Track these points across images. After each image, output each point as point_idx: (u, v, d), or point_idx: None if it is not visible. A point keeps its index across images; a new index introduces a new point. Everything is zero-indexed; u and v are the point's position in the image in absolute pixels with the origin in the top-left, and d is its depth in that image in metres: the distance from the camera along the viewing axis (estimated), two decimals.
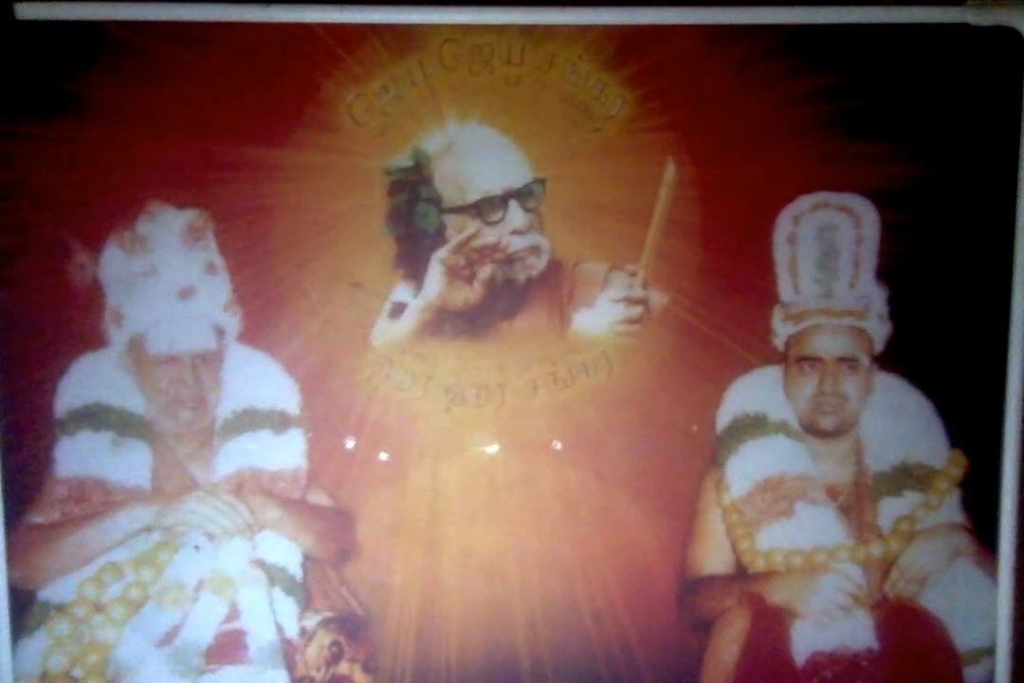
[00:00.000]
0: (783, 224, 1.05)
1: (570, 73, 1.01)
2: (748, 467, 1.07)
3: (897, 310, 1.06)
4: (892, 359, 1.06)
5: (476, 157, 1.03)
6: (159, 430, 1.04)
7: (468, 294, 1.05)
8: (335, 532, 1.06)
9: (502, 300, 1.05)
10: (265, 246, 1.03)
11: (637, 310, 1.06)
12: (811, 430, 1.08)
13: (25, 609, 1.02)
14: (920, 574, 1.07)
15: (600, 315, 1.06)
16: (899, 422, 1.07)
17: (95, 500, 1.02)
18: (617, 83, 1.01)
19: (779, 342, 1.07)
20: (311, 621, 1.05)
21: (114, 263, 1.01)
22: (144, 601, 1.02)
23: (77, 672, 1.02)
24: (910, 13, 1.01)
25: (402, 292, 1.04)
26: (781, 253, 1.05)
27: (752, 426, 1.07)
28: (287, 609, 1.04)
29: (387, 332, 1.04)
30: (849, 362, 1.06)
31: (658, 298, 1.05)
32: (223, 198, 1.01)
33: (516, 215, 1.03)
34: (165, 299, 1.02)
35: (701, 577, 1.08)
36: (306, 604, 1.05)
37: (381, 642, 1.07)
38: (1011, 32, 1.01)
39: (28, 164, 0.99)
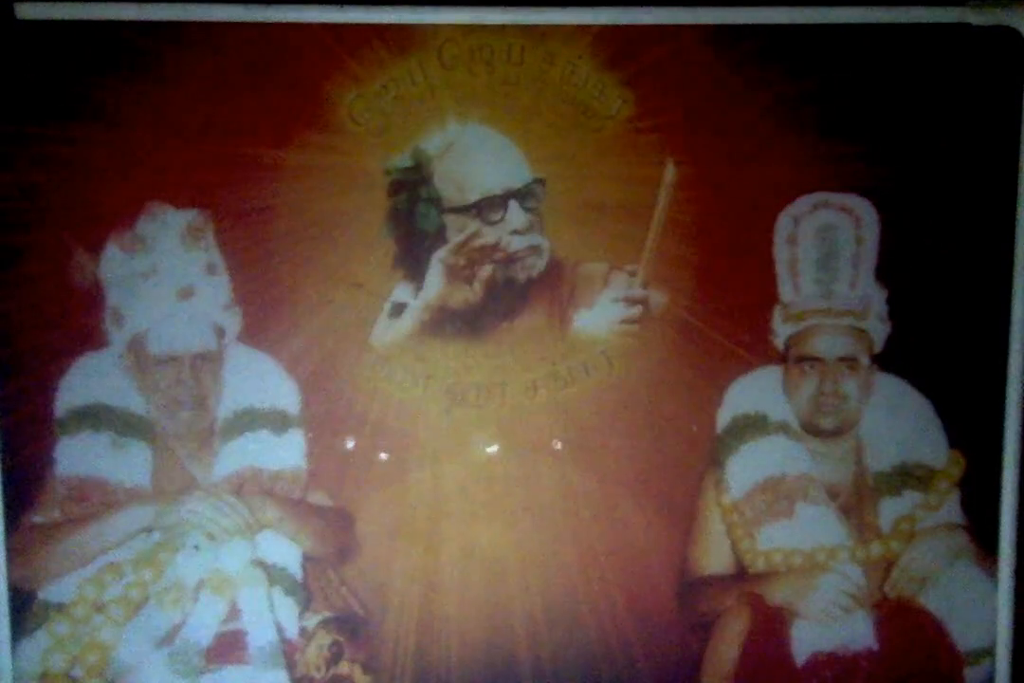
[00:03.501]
0: (783, 224, 1.05)
1: (570, 73, 1.01)
2: (748, 467, 1.07)
3: (897, 310, 1.06)
4: (892, 359, 1.06)
5: (476, 157, 1.03)
6: (159, 430, 1.04)
7: (468, 294, 1.05)
8: (335, 532, 1.06)
9: (502, 300, 1.05)
10: (265, 246, 1.03)
11: (637, 310, 1.06)
12: (811, 430, 1.08)
13: (25, 609, 1.02)
14: (920, 574, 1.07)
15: (600, 315, 1.06)
16: (899, 422, 1.07)
17: (95, 500, 1.02)
18: (617, 83, 1.01)
19: (779, 342, 1.07)
20: (311, 621, 1.05)
21: (114, 263, 1.01)
22: (144, 601, 1.02)
23: (77, 672, 1.02)
24: (910, 13, 1.01)
25: (402, 292, 1.04)
26: (781, 253, 1.05)
27: (752, 426, 1.07)
28: (287, 609, 1.04)
29: (387, 332, 1.04)
30: (849, 362, 1.06)
31: (658, 298, 1.05)
32: (223, 198, 1.01)
33: (516, 215, 1.03)
34: (165, 299, 1.02)
35: (701, 577, 1.08)
36: (306, 604, 1.05)
37: (381, 642, 1.07)
38: (1011, 32, 1.01)
39: (28, 164, 0.99)
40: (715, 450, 1.08)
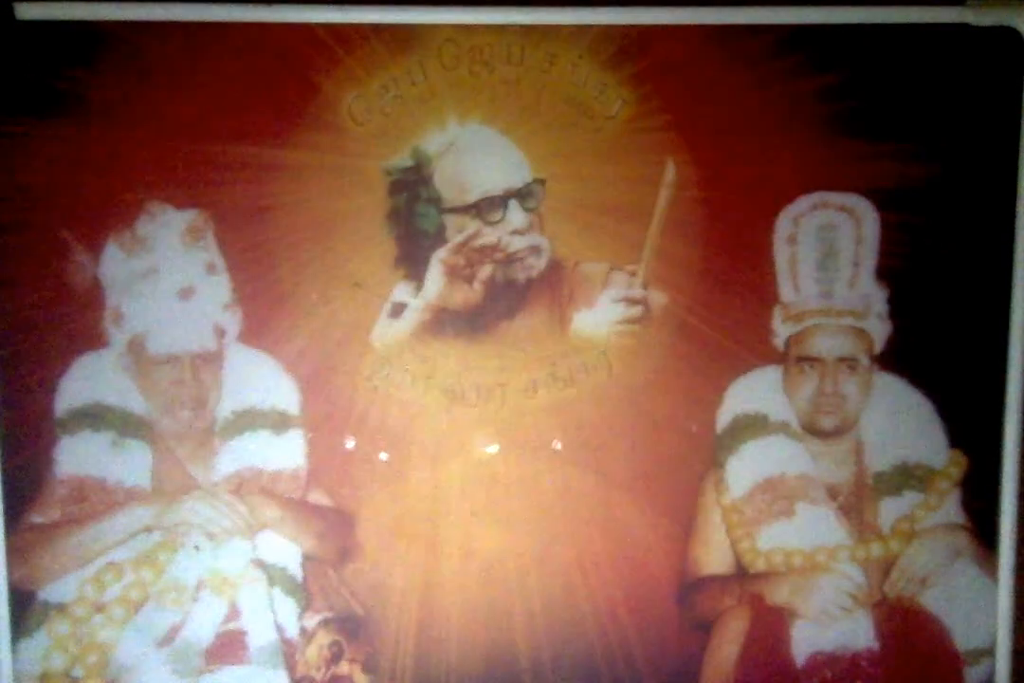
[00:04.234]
0: (783, 224, 1.05)
1: (570, 73, 1.01)
2: (748, 467, 1.07)
3: (897, 310, 1.06)
4: (892, 359, 1.06)
5: (476, 157, 1.03)
6: (159, 430, 1.04)
7: (468, 294, 1.05)
8: (335, 532, 1.06)
9: (502, 300, 1.05)
10: (265, 246, 1.03)
11: (637, 310, 1.06)
12: (811, 430, 1.08)
13: (25, 609, 1.02)
14: (920, 574, 1.07)
15: (600, 315, 1.06)
16: (899, 422, 1.07)
17: (95, 500, 1.02)
18: (617, 83, 1.01)
19: (779, 342, 1.07)
20: (311, 621, 1.05)
21: (114, 263, 1.01)
22: (144, 601, 1.02)
23: (77, 672, 1.02)
24: (910, 13, 1.01)
25: (402, 292, 1.04)
26: (781, 253, 1.05)
27: (752, 426, 1.07)
28: (287, 609, 1.04)
29: (387, 332, 1.04)
30: (849, 362, 1.06)
31: (658, 298, 1.05)
32: (223, 198, 1.01)
33: (516, 215, 1.03)
34: (165, 299, 1.02)
35: (701, 577, 1.08)
36: (306, 604, 1.05)
37: (381, 642, 1.07)
38: (1011, 32, 1.01)
39: (28, 164, 0.99)
40: (715, 450, 1.08)
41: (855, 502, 1.08)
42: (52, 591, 1.02)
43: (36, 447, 1.02)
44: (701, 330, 1.05)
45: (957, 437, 1.07)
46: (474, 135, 1.02)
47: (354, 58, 1.00)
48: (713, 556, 1.08)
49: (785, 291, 1.06)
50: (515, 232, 1.04)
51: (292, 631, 1.04)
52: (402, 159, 1.02)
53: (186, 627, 1.02)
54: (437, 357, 1.05)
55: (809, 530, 1.07)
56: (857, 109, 1.02)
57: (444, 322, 1.05)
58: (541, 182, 1.03)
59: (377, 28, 0.99)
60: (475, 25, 1.00)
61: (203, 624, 1.02)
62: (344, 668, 1.06)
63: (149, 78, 0.99)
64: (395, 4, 0.99)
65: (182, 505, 1.03)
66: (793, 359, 1.07)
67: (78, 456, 1.02)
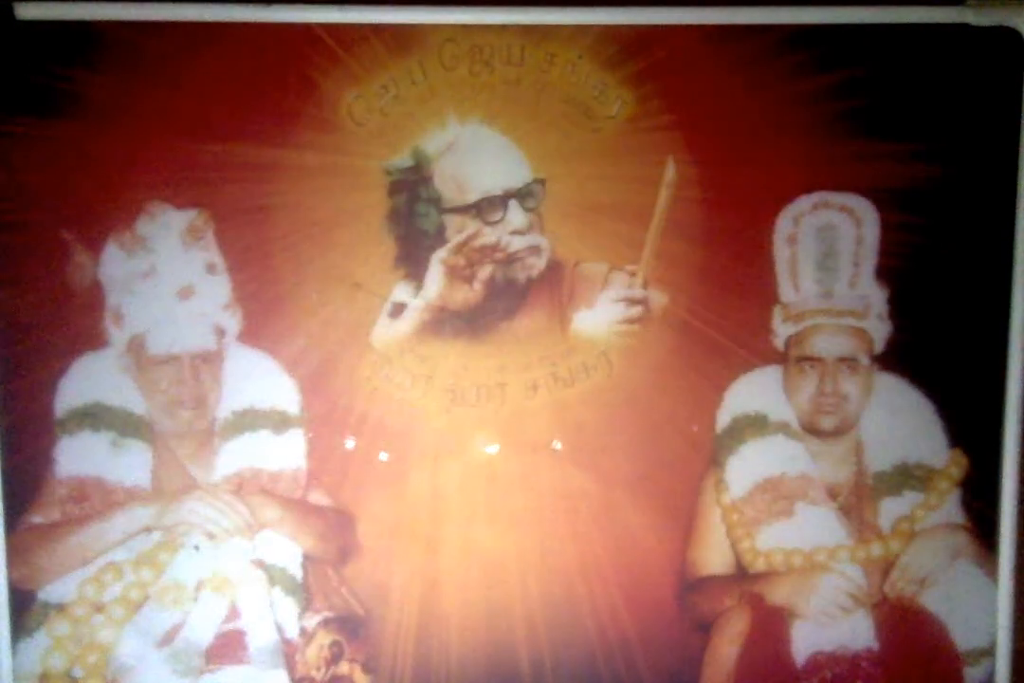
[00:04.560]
0: (783, 224, 1.05)
1: (570, 73, 1.01)
2: (748, 467, 1.07)
3: (897, 310, 1.06)
4: (892, 359, 1.06)
5: (476, 157, 1.03)
6: (159, 430, 1.04)
7: (468, 294, 1.05)
8: (335, 532, 1.06)
9: (502, 300, 1.05)
10: (265, 246, 1.03)
11: (637, 310, 1.06)
12: (811, 430, 1.08)
13: (25, 609, 1.02)
14: (920, 574, 1.07)
15: (600, 315, 1.06)
16: (899, 422, 1.07)
17: (95, 500, 1.02)
18: (617, 83, 1.01)
19: (779, 342, 1.07)
20: (311, 621, 1.05)
21: (114, 263, 1.01)
22: (144, 601, 1.02)
23: (77, 672, 1.02)
24: (910, 13, 1.01)
25: (402, 292, 1.04)
26: (781, 253, 1.05)
27: (752, 426, 1.07)
28: (287, 609, 1.04)
29: (387, 332, 1.04)
30: (849, 362, 1.06)
31: (658, 298, 1.05)
32: (223, 198, 1.01)
33: (516, 215, 1.03)
34: (165, 299, 1.02)
35: (701, 577, 1.08)
36: (306, 604, 1.05)
37: (381, 642, 1.07)
38: (1011, 32, 1.01)
39: (28, 164, 0.99)
40: (715, 450, 1.08)
41: (855, 502, 1.08)
42: (52, 591, 1.02)
43: (36, 447, 1.02)
44: (701, 330, 1.05)
45: (957, 437, 1.07)
46: (474, 135, 1.02)
47: (354, 58, 1.00)
48: (713, 556, 1.08)
49: (785, 291, 1.06)
50: (515, 232, 1.04)
51: (292, 631, 1.04)
52: (402, 159, 1.02)
53: (186, 627, 1.02)
54: (437, 357, 1.05)
55: (809, 530, 1.07)
56: (857, 109, 1.02)
57: (444, 322, 1.05)
58: (541, 182, 1.03)
59: (377, 28, 0.99)
60: (475, 25, 1.00)
61: (203, 624, 1.02)
62: (344, 668, 1.06)
63: (149, 78, 0.99)
64: (395, 4, 0.99)
65: (182, 505, 1.03)
66: (793, 359, 1.07)
67: (78, 456, 1.02)
